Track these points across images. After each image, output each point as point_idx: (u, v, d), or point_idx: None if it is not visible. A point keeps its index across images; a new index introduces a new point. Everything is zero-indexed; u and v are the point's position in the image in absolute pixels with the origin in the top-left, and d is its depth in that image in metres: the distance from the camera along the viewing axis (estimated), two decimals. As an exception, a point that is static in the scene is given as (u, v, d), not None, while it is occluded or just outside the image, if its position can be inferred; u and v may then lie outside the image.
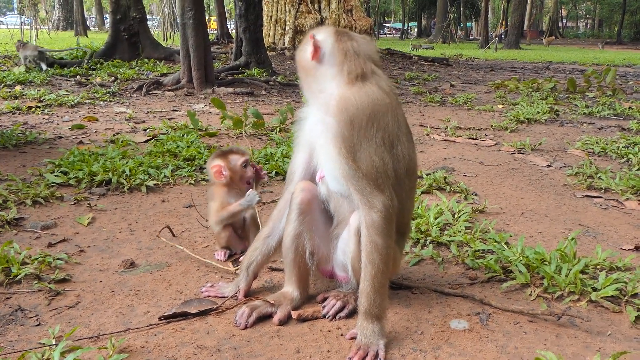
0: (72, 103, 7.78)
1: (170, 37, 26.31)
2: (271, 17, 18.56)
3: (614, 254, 2.90)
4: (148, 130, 6.06)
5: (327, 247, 2.38)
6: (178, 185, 4.12)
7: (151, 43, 13.67)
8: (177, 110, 7.71)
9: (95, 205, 3.62)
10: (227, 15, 28.62)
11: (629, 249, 3.13)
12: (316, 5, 18.85)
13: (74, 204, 3.65)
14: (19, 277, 2.55)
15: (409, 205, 2.33)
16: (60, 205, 3.60)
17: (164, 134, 5.73)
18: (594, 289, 2.51)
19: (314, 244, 2.36)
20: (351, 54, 2.18)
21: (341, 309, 2.34)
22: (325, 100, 2.17)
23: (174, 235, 3.18)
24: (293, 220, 2.34)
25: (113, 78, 10.53)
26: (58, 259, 2.77)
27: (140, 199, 3.80)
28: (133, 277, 2.66)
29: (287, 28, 18.46)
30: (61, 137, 5.61)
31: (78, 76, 10.98)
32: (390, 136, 2.14)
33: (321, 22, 18.41)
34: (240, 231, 2.95)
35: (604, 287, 2.49)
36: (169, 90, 9.31)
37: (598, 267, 2.78)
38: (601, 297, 2.45)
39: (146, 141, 5.47)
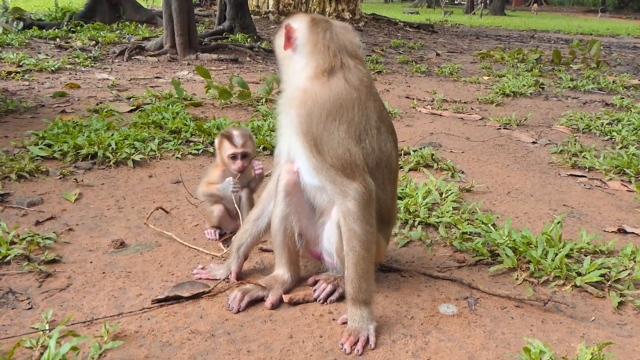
0: (53, 68, 7.62)
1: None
2: (255, -21, 18.20)
3: (598, 237, 2.96)
4: (132, 99, 5.97)
5: (314, 229, 2.40)
6: (165, 159, 4.09)
7: (132, 5, 13.35)
8: (160, 78, 7.60)
9: (82, 180, 3.58)
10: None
11: (611, 231, 3.20)
12: (301, -32, 18.50)
13: (60, 178, 3.61)
14: (8, 257, 2.53)
15: (384, 197, 2.29)
16: (46, 180, 3.56)
17: (149, 103, 5.65)
18: (579, 274, 2.57)
19: (302, 226, 2.38)
20: (321, 47, 2.15)
21: (331, 293, 2.37)
22: (291, 92, 2.18)
23: (167, 212, 3.17)
24: (280, 202, 2.35)
25: (94, 42, 10.31)
26: (47, 238, 2.75)
27: (127, 174, 3.77)
28: (123, 258, 2.66)
29: (271, -9, 18.14)
30: (43, 106, 5.51)
31: (57, 39, 10.73)
32: (357, 129, 2.12)
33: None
34: (234, 211, 2.93)
35: (589, 273, 2.55)
36: (151, 56, 9.15)
37: (582, 251, 2.84)
38: (585, 283, 2.51)
39: (130, 111, 5.40)
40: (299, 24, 2.19)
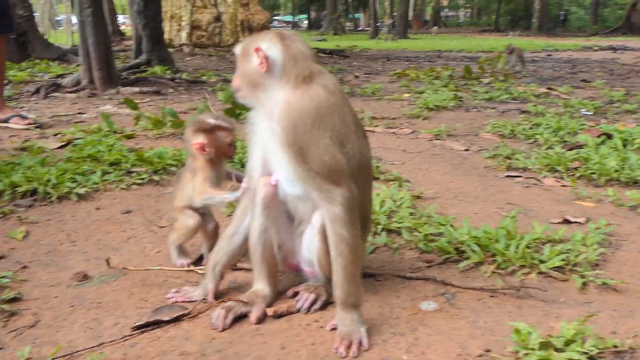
0: (-35, 110, 7.21)
1: (50, 35, 25.00)
2: (166, 12, 18.06)
3: (549, 227, 3.13)
4: (59, 135, 5.76)
5: (292, 240, 2.41)
6: (109, 191, 3.97)
7: (41, 42, 12.92)
8: (83, 113, 7.37)
9: (26, 217, 3.41)
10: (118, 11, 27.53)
11: (557, 222, 3.39)
12: (212, 0, 18.56)
13: (1, 217, 3.43)
14: (-34, 300, 2.37)
15: (364, 200, 2.34)
16: (-14, 221, 3.37)
17: (79, 138, 5.46)
18: (541, 261, 2.71)
19: (280, 238, 2.38)
20: (299, 58, 2.18)
21: (314, 302, 2.37)
22: (271, 107, 2.18)
23: (109, 266, 3.06)
24: (258, 216, 2.34)
25: (6, 82, 9.85)
26: (2, 277, 2.60)
27: (72, 208, 3.63)
28: (90, 290, 2.55)
29: (183, 24, 18.10)
30: (-36, 148, 5.21)
31: (-37, 81, 10.18)
32: (339, 135, 2.16)
33: (218, 17, 18.17)
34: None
35: (550, 259, 2.69)
36: (69, 92, 8.86)
37: (538, 241, 2.99)
38: (549, 268, 2.65)
39: (61, 147, 5.21)
40: (268, 43, 2.19)
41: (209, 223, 2.85)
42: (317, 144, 2.08)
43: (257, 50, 2.17)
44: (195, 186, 2.69)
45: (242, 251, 2.52)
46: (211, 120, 2.70)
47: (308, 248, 2.33)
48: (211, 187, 2.65)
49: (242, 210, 2.47)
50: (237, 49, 2.31)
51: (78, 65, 10.49)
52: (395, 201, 3.58)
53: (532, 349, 1.97)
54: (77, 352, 2.05)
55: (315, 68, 2.21)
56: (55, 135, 5.80)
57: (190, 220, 2.74)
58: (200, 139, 2.65)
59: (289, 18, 69.36)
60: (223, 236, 2.50)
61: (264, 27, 19.67)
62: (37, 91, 8.76)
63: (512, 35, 38.59)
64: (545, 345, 1.98)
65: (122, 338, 2.15)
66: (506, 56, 11.78)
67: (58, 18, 44.36)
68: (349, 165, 2.16)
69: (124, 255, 2.92)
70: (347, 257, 2.13)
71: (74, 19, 27.58)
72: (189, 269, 2.76)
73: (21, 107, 7.77)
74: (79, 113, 7.38)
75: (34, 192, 3.78)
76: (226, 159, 2.79)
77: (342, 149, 2.15)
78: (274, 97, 2.17)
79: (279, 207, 2.35)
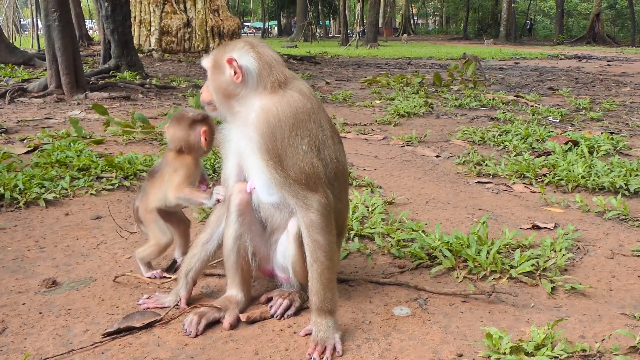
0: None
1: (15, 40, 24.56)
2: (135, 17, 17.89)
3: (519, 233, 3.17)
4: (26, 140, 5.65)
5: (266, 247, 2.41)
6: (78, 197, 3.90)
7: (6, 47, 12.68)
8: (51, 118, 7.24)
9: (-8, 223, 3.34)
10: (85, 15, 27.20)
11: (527, 228, 3.44)
12: (181, 5, 18.48)
13: (-35, 224, 3.35)
14: None
15: (340, 206, 2.35)
16: (-49, 227, 3.29)
17: (46, 143, 5.37)
18: (512, 267, 2.75)
19: (255, 245, 2.37)
20: (274, 64, 2.18)
21: (288, 307, 2.36)
22: (246, 114, 2.17)
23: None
24: (233, 222, 2.33)
25: (-31, 85, 9.65)
26: (-32, 284, 2.54)
27: (40, 214, 3.56)
28: (59, 296, 2.51)
29: (152, 29, 17.93)
30: None
31: None
32: (316, 141, 2.17)
33: (188, 23, 18.07)
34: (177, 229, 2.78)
35: (520, 264, 2.73)
36: (36, 97, 8.70)
37: (508, 246, 3.04)
38: (519, 274, 2.68)
39: (27, 152, 5.11)
40: (239, 52, 2.18)
41: (180, 223, 2.82)
42: (295, 150, 2.08)
43: (230, 60, 2.16)
44: (172, 183, 2.59)
45: (216, 258, 2.51)
46: (199, 112, 2.64)
47: (283, 254, 2.33)
48: (189, 187, 2.60)
49: (216, 217, 2.45)
50: (206, 62, 2.26)
51: (45, 70, 10.33)
52: (367, 207, 3.60)
53: (504, 353, 2.00)
54: (46, 359, 2.01)
55: (288, 73, 2.21)
56: (22, 140, 5.70)
57: (164, 238, 2.67)
58: (202, 127, 2.61)
59: (258, 24, 69.20)
60: (196, 243, 2.48)
61: (235, 33, 19.60)
62: (2, 95, 8.58)
63: (487, 43, 38.93)
64: (516, 350, 2.01)
65: (92, 345, 2.12)
66: (475, 64, 11.92)
67: (23, 22, 43.62)
68: (326, 171, 2.17)
69: (94, 261, 2.88)
70: (323, 263, 2.14)
71: (40, 23, 27.17)
72: (162, 277, 2.71)
73: (-14, 112, 7.60)
74: (46, 118, 7.25)
75: (0, 197, 3.70)
76: (204, 154, 2.75)
77: (319, 155, 2.16)
78: (249, 104, 2.17)
79: (253, 214, 2.35)
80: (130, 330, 2.22)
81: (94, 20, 42.20)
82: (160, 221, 2.67)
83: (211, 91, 2.27)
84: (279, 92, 2.14)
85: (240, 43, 2.24)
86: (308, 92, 2.20)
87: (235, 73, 2.15)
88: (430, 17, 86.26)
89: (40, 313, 2.36)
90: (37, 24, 25.19)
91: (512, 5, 45.12)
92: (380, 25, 50.92)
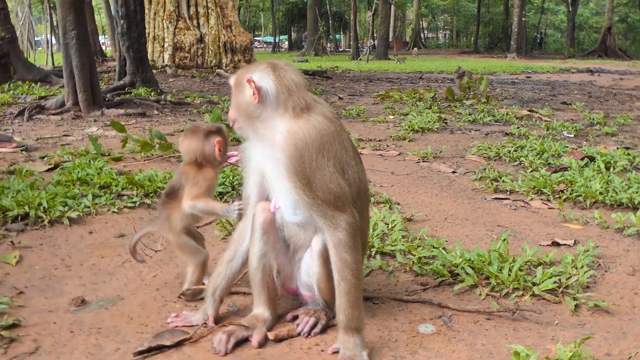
0: (-52, 132, 7.15)
1: (30, 56, 24.86)
2: (149, 34, 18.10)
3: (539, 250, 3.19)
4: (46, 158, 5.74)
5: (290, 265, 2.44)
6: (101, 215, 3.96)
7: (24, 64, 12.87)
8: (69, 135, 7.35)
9: (19, 242, 3.40)
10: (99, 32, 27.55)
11: (546, 245, 3.45)
12: (195, 22, 18.68)
13: (-8, 242, 3.41)
14: (-37, 327, 2.36)
15: (362, 224, 2.38)
16: (-22, 246, 3.35)
17: (67, 161, 5.45)
18: (534, 284, 2.76)
19: (279, 263, 2.42)
20: (293, 89, 2.23)
21: (314, 325, 2.39)
22: (271, 136, 2.22)
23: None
24: (258, 241, 2.37)
25: (-12, 104, 9.81)
26: (0, 303, 2.59)
27: (64, 232, 3.62)
28: (89, 315, 2.55)
29: (166, 45, 18.13)
30: (-50, 171, 5.17)
31: (-56, 102, 10.11)
32: (341, 163, 2.23)
33: (201, 39, 18.27)
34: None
35: (543, 282, 2.75)
36: (53, 114, 8.82)
37: (529, 263, 3.05)
38: (542, 291, 2.70)
39: (49, 170, 5.19)
40: (260, 74, 2.24)
41: (196, 239, 2.84)
42: (322, 172, 2.13)
43: (249, 81, 2.22)
44: (190, 193, 2.62)
45: (241, 275, 2.56)
46: (213, 124, 2.72)
47: (307, 272, 2.37)
48: (205, 198, 2.63)
49: (239, 235, 2.50)
50: (232, 80, 2.35)
51: (61, 87, 10.48)
52: (387, 224, 3.63)
53: (531, 371, 2.01)
54: (79, 378, 2.05)
55: (309, 97, 2.26)
56: (42, 158, 5.78)
57: (200, 256, 2.73)
58: (217, 138, 2.68)
59: (269, 39, 69.73)
60: (221, 261, 2.52)
61: (247, 48, 19.81)
62: (20, 113, 8.70)
63: (510, 57, 38.55)
64: (543, 367, 2.03)
65: (124, 364, 2.16)
66: (486, 78, 11.94)
67: (37, 39, 44.22)
68: (350, 191, 2.22)
69: (120, 280, 2.93)
70: (350, 282, 2.17)
71: (54, 40, 27.54)
72: None
73: (5, 130, 7.72)
74: (64, 135, 7.36)
75: (24, 216, 3.77)
76: (219, 165, 2.79)
77: (344, 175, 2.21)
78: (274, 126, 2.22)
79: (277, 233, 2.39)
80: (160, 349, 2.25)
81: (106, 36, 42.66)
82: (191, 241, 2.71)
83: (234, 110, 2.34)
84: (303, 116, 2.19)
85: (262, 65, 2.30)
86: (331, 116, 2.26)
87: (253, 94, 2.21)
88: (441, 31, 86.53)
89: (72, 332, 2.41)
90: (51, 41, 25.57)
91: (523, 19, 45.15)
92: (390, 39, 51.13)
